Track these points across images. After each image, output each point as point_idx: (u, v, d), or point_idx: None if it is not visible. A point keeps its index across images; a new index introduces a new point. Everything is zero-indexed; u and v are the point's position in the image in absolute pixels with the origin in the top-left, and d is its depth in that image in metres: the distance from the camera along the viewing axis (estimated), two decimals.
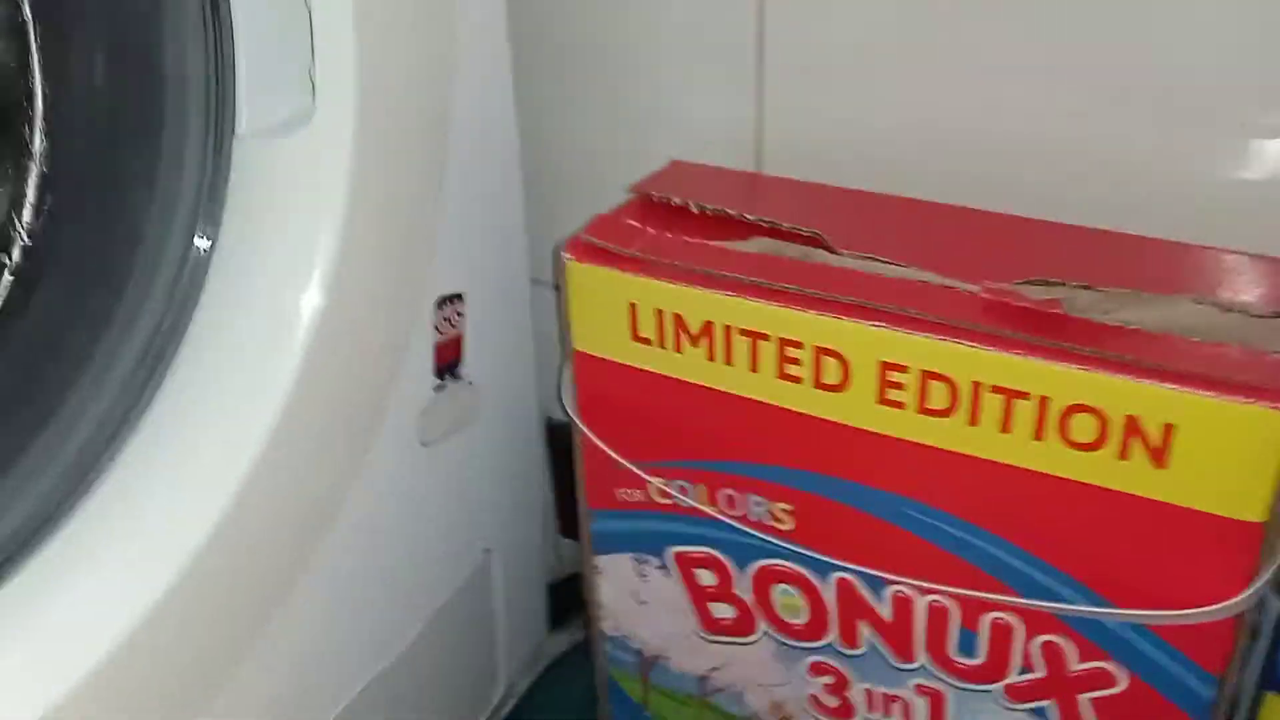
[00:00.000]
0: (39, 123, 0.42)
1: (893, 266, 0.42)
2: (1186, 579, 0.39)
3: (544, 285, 0.63)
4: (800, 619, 0.48)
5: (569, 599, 0.68)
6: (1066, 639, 0.42)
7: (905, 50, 0.51)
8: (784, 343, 0.43)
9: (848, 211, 0.49)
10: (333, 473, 0.49)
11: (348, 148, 0.45)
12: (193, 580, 0.42)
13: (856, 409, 0.42)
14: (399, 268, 0.50)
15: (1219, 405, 0.36)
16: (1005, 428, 0.40)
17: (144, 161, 0.44)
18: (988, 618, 0.43)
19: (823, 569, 0.46)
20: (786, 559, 0.47)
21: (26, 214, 0.43)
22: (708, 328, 0.44)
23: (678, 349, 0.45)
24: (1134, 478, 0.38)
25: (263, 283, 0.45)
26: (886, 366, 0.41)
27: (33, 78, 0.42)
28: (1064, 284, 0.40)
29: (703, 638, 0.52)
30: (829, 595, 0.47)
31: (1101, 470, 0.38)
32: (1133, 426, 0.37)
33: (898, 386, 0.41)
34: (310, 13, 0.43)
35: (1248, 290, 0.40)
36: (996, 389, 0.39)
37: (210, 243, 0.46)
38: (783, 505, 0.46)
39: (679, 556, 0.50)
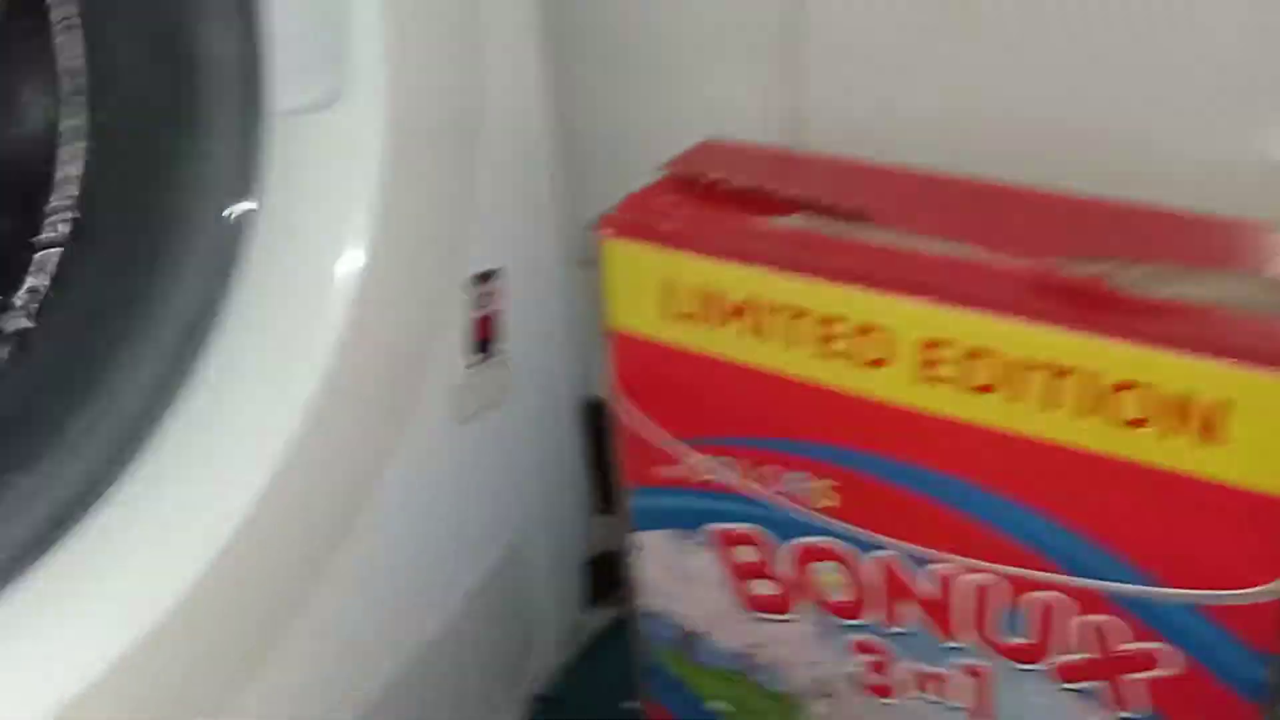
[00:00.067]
0: (82, 104, 0.43)
1: (934, 242, 0.42)
2: (1238, 558, 0.38)
3: (579, 263, 0.63)
4: (842, 597, 0.48)
5: (604, 576, 0.68)
6: (1115, 618, 0.41)
7: (947, 24, 0.50)
8: (824, 319, 0.42)
9: (887, 187, 0.48)
10: (372, 448, 0.49)
11: (381, 125, 0.45)
12: (230, 559, 0.42)
13: (898, 386, 0.42)
14: (435, 242, 0.50)
15: (1271, 381, 0.35)
16: (1050, 404, 0.39)
17: (181, 141, 0.44)
18: (1034, 596, 0.43)
19: (864, 546, 0.46)
20: (827, 536, 0.47)
21: (73, 192, 0.43)
22: (746, 304, 0.44)
23: (716, 326, 0.45)
24: (1183, 455, 0.37)
25: (300, 257, 0.45)
26: (928, 343, 0.40)
27: (75, 59, 0.42)
28: (1109, 259, 0.39)
29: (743, 615, 0.51)
30: (870, 572, 0.46)
31: (1149, 447, 0.38)
32: (1182, 403, 0.37)
33: (940, 363, 0.40)
34: None
35: None
36: (1041, 365, 0.39)
37: (248, 219, 0.46)
38: (823, 482, 0.46)
39: (718, 534, 0.50)
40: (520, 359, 0.57)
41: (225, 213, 0.45)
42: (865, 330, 0.41)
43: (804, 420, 0.45)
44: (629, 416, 0.49)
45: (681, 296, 0.45)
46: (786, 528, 0.48)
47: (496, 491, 0.60)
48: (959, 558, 0.43)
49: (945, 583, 0.44)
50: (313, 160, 0.45)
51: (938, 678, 0.47)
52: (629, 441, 0.50)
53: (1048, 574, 0.42)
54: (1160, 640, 0.41)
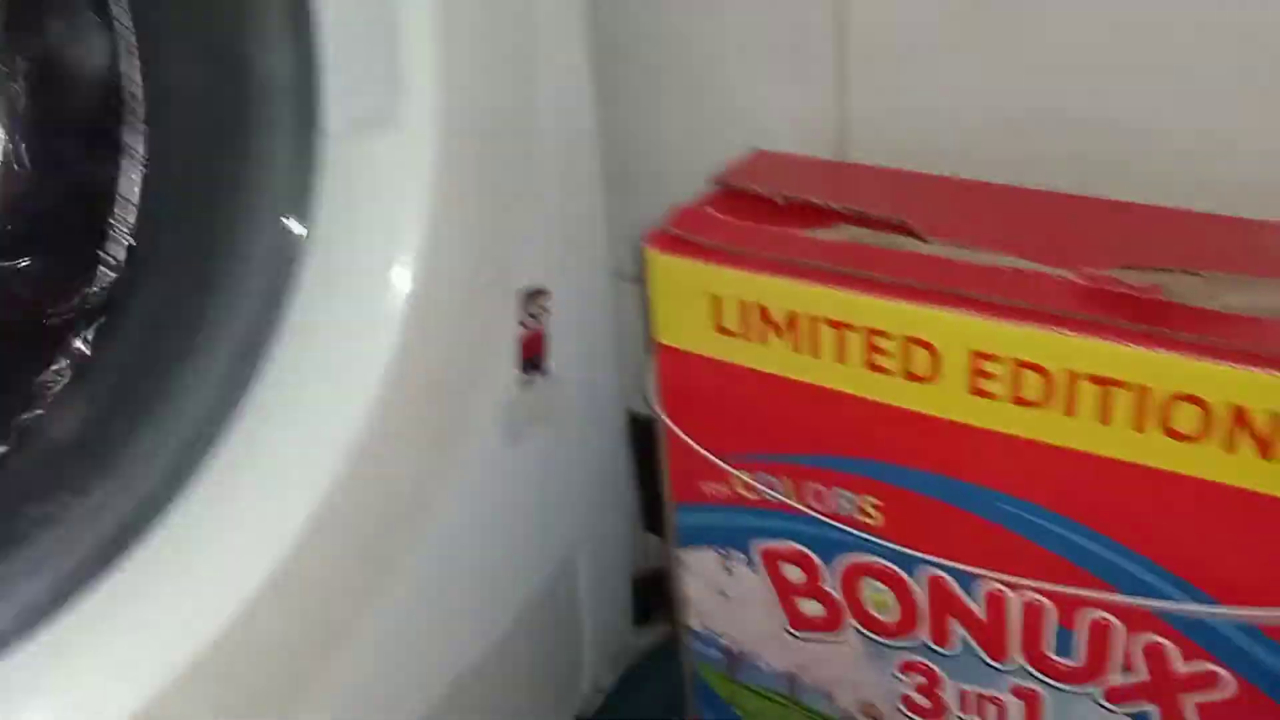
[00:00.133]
0: (140, 125, 0.44)
1: (983, 253, 0.41)
2: None
3: (625, 279, 0.63)
4: (890, 616, 0.47)
5: (652, 595, 0.68)
6: (1169, 639, 0.40)
7: (994, 31, 0.50)
8: (871, 333, 0.42)
9: (935, 198, 0.48)
10: (424, 467, 0.49)
11: (433, 143, 0.45)
12: (284, 579, 0.42)
13: (947, 400, 0.41)
14: (486, 261, 0.50)
15: None
16: (1103, 419, 0.38)
17: (235, 161, 0.45)
18: (1086, 615, 0.42)
19: (912, 565, 0.45)
20: (875, 554, 0.46)
21: (131, 215, 0.44)
22: (793, 319, 0.44)
23: (762, 341, 0.45)
24: (1240, 470, 0.36)
25: (353, 277, 0.46)
26: (978, 356, 0.40)
27: (132, 81, 0.43)
28: (1164, 269, 0.38)
29: (790, 634, 0.51)
30: (919, 592, 0.45)
31: (1205, 463, 0.37)
32: (1239, 417, 0.36)
33: (989, 377, 0.40)
34: (395, 9, 0.44)
35: None
36: (1093, 379, 0.38)
37: (301, 239, 0.46)
38: (871, 499, 0.45)
39: (765, 551, 0.49)
40: (570, 376, 0.57)
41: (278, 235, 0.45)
42: (913, 344, 0.41)
43: (851, 436, 0.44)
44: (674, 432, 0.49)
45: (727, 311, 0.45)
46: (833, 545, 0.47)
47: (545, 509, 0.60)
48: (1009, 576, 0.43)
49: (994, 602, 0.44)
50: (365, 180, 0.46)
51: (987, 700, 0.46)
52: (674, 458, 0.50)
53: (1099, 592, 0.41)
54: (1215, 662, 0.40)
